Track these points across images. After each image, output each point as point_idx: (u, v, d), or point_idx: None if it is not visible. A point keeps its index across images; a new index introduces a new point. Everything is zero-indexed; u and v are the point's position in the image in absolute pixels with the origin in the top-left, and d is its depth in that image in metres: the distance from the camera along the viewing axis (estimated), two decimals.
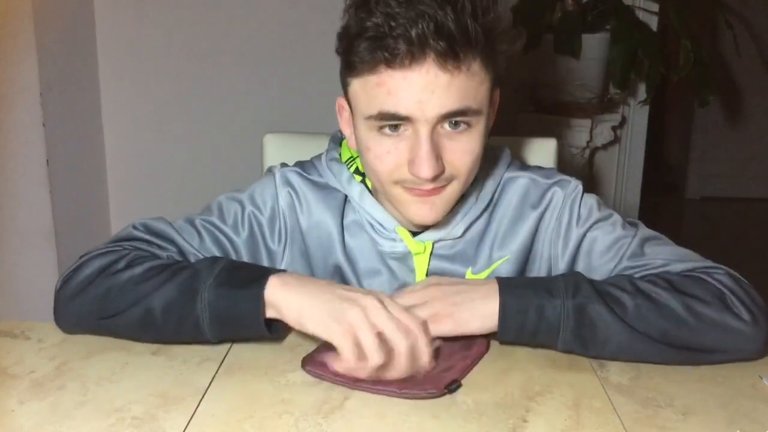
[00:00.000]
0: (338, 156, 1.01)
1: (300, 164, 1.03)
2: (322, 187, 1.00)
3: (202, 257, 0.93)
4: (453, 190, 0.90)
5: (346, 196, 1.00)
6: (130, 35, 1.97)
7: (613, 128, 2.43)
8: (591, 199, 0.99)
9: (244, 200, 1.00)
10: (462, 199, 0.96)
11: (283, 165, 1.03)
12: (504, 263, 0.98)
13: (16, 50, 1.61)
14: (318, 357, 0.82)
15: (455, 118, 0.84)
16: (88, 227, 1.97)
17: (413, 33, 0.78)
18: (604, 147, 2.52)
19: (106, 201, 2.04)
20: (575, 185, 0.99)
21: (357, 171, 0.99)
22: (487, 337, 0.85)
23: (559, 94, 2.30)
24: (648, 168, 2.67)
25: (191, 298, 0.83)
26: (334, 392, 0.77)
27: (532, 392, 0.78)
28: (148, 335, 0.87)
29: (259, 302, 0.81)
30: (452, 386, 0.77)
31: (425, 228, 0.97)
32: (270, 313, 0.82)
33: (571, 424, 0.72)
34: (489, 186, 0.99)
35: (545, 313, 0.81)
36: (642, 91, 2.47)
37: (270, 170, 1.03)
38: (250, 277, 0.83)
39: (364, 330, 0.76)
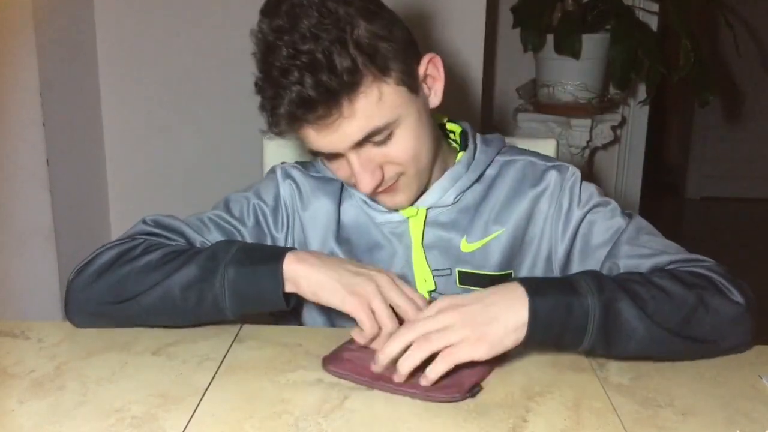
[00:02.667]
0: None
1: (299, 162, 1.09)
2: (320, 179, 1.05)
3: None
4: (408, 179, 0.95)
5: (342, 185, 1.04)
6: (130, 35, 1.97)
7: (613, 128, 2.43)
8: (591, 186, 1.02)
9: (249, 195, 1.05)
10: (451, 168, 1.01)
11: (283, 163, 1.08)
12: (499, 236, 1.01)
13: (16, 50, 1.61)
14: (339, 356, 0.84)
15: (370, 139, 0.88)
16: (88, 227, 1.97)
17: (283, 111, 0.84)
18: (604, 147, 2.52)
19: (106, 201, 2.04)
20: (573, 170, 1.02)
21: None
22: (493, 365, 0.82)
23: (559, 94, 2.30)
24: (648, 168, 2.67)
25: (210, 276, 0.86)
26: (334, 392, 0.78)
27: (532, 392, 0.78)
28: (165, 317, 0.90)
29: (278, 277, 0.85)
30: (474, 390, 0.77)
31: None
32: (288, 288, 0.86)
33: (571, 424, 0.72)
34: (481, 158, 1.02)
35: (573, 310, 0.78)
36: (642, 91, 2.47)
37: (272, 169, 1.08)
38: (268, 254, 0.88)
39: (378, 301, 0.82)
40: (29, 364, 0.83)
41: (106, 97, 1.98)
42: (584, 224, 0.99)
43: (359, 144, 0.88)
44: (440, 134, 1.03)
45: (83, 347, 0.88)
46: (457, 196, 1.01)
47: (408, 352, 0.77)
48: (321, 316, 1.04)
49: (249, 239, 1.01)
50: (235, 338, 0.90)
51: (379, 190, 0.93)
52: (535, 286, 0.80)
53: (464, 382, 0.77)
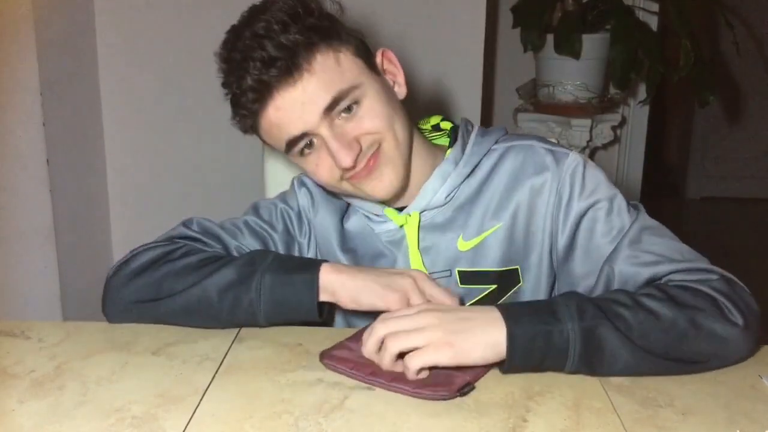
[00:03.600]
0: None
1: None
2: (329, 192, 1.06)
3: (243, 250, 1.01)
4: (388, 149, 0.94)
5: (347, 204, 1.06)
6: (130, 35, 1.97)
7: (613, 128, 2.43)
8: (597, 175, 0.98)
9: (276, 201, 1.09)
10: (439, 167, 1.01)
11: (300, 174, 1.11)
12: (497, 231, 0.99)
13: (16, 50, 1.61)
14: (337, 352, 0.84)
15: (338, 106, 0.90)
16: (88, 227, 1.97)
17: (249, 81, 0.88)
18: (604, 147, 2.52)
19: (106, 201, 2.04)
20: (574, 158, 0.98)
21: None
22: (488, 366, 0.81)
23: (559, 94, 2.30)
24: (648, 168, 2.67)
25: (247, 281, 0.89)
26: (334, 392, 0.78)
27: (532, 392, 0.78)
28: (199, 318, 0.92)
29: (314, 286, 0.88)
30: (465, 389, 0.77)
31: (408, 203, 1.01)
32: (324, 297, 0.89)
33: (571, 424, 0.72)
34: (474, 151, 1.01)
35: (553, 338, 0.78)
36: (642, 91, 2.47)
37: (291, 181, 1.12)
38: (304, 263, 0.92)
39: (416, 294, 0.86)
40: (29, 364, 0.84)
41: (106, 97, 1.98)
42: (586, 220, 0.96)
43: (328, 113, 0.89)
44: (414, 128, 1.02)
45: (83, 347, 0.88)
46: (449, 193, 1.00)
47: (381, 350, 0.80)
48: (341, 319, 1.06)
49: (279, 244, 1.05)
50: (235, 338, 0.91)
51: (361, 165, 0.93)
52: (513, 314, 0.79)
53: (455, 381, 0.77)
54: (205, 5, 1.97)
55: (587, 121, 2.31)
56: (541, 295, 1.01)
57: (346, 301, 0.88)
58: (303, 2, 0.91)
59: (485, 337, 0.78)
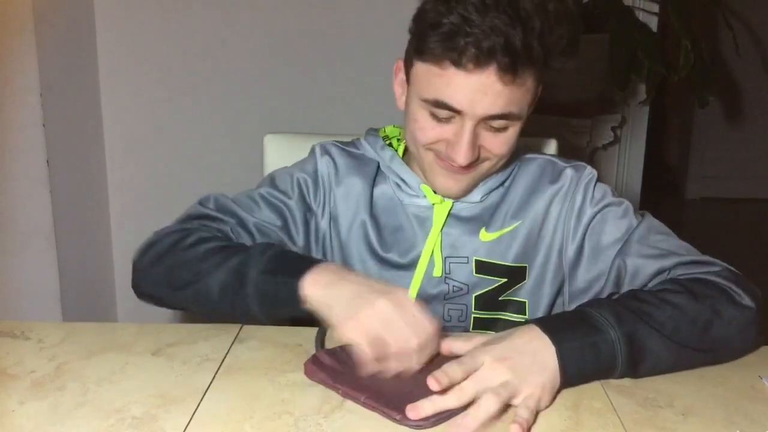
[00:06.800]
0: (376, 132, 1.10)
1: (339, 141, 1.12)
2: (357, 157, 1.08)
3: (262, 224, 1.02)
4: (483, 170, 0.98)
5: (378, 167, 1.07)
6: (130, 35, 1.97)
7: (613, 128, 2.43)
8: (605, 186, 1.05)
9: (292, 169, 1.08)
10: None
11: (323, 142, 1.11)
12: (517, 228, 1.03)
13: (16, 50, 1.61)
14: (320, 361, 0.82)
15: (497, 119, 0.91)
16: (88, 227, 1.97)
17: (484, 44, 0.84)
18: (604, 147, 2.52)
19: (106, 201, 2.04)
20: (590, 170, 1.05)
21: (390, 145, 1.08)
22: None
23: (559, 94, 2.30)
24: (648, 168, 2.67)
25: (241, 281, 0.88)
26: (334, 392, 0.77)
27: None
28: (207, 310, 0.93)
29: (296, 296, 0.84)
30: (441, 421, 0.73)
31: None
32: (307, 306, 0.85)
33: (571, 425, 0.72)
34: (510, 160, 1.04)
35: (600, 349, 0.78)
36: (642, 91, 2.47)
37: (312, 148, 1.11)
38: (292, 269, 0.86)
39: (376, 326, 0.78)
40: (29, 365, 0.84)
41: (106, 97, 1.99)
42: (595, 222, 1.01)
43: (487, 117, 0.90)
44: None
45: (83, 347, 0.88)
46: (483, 195, 1.03)
47: (478, 406, 0.72)
48: None
49: (296, 211, 1.05)
50: (235, 338, 0.91)
51: (463, 165, 0.94)
52: (557, 333, 0.78)
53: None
54: (205, 5, 1.97)
55: (587, 122, 2.31)
56: (542, 294, 1.05)
57: (322, 316, 0.83)
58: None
59: (552, 363, 0.76)
